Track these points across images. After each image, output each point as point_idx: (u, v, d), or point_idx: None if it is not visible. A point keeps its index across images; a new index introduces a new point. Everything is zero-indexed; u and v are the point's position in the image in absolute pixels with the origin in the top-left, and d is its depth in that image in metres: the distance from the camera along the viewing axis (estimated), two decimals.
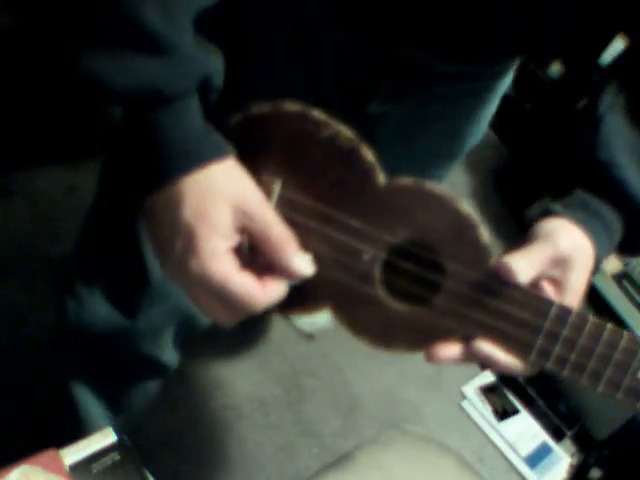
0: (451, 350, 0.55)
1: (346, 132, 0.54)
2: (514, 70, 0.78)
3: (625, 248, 0.62)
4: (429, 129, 0.74)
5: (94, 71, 0.47)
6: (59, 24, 0.50)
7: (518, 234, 0.58)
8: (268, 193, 0.55)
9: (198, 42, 0.50)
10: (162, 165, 0.50)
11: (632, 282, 1.80)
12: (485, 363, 0.55)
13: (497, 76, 0.74)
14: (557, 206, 0.58)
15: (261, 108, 0.54)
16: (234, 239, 0.51)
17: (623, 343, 0.53)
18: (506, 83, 0.77)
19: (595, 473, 1.67)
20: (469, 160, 2.23)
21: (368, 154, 0.54)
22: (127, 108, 0.49)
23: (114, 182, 0.76)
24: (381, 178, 0.55)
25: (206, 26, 0.52)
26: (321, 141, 0.54)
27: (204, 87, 0.51)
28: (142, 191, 0.52)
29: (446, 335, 0.55)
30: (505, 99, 0.81)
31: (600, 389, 0.54)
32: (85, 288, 0.84)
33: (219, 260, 0.49)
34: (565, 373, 0.54)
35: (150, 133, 0.50)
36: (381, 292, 0.56)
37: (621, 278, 1.81)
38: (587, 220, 0.57)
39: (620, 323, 1.73)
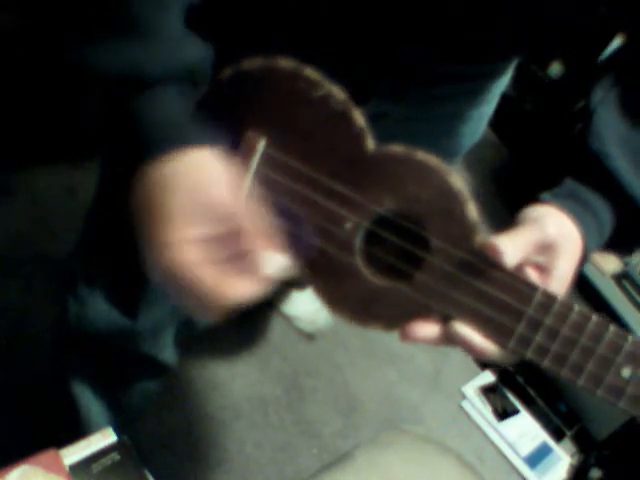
0: (428, 330, 0.53)
1: (338, 93, 0.52)
2: (513, 70, 0.78)
3: (616, 243, 0.61)
4: (427, 128, 0.74)
5: (77, 54, 0.48)
6: (49, 10, 0.50)
7: None
8: (251, 150, 0.53)
9: (185, 33, 0.50)
10: (137, 148, 0.49)
11: (632, 282, 1.80)
12: (461, 347, 0.53)
13: (495, 76, 0.74)
14: (546, 194, 0.57)
15: (253, 63, 0.53)
16: (199, 230, 0.49)
17: (609, 336, 0.50)
18: (503, 83, 0.77)
19: (595, 473, 1.67)
20: (469, 160, 2.23)
21: (359, 118, 0.53)
22: (106, 90, 0.49)
23: (113, 181, 0.77)
24: (371, 144, 0.53)
25: (197, 21, 0.51)
26: (312, 101, 0.52)
27: (186, 77, 0.50)
28: (123, 181, 0.51)
29: (424, 314, 0.53)
30: (505, 99, 0.81)
31: (580, 383, 0.51)
32: (86, 288, 0.84)
33: (186, 250, 0.48)
34: (545, 364, 0.52)
35: (126, 116, 0.49)
36: (361, 263, 0.54)
37: (621, 278, 1.81)
38: (576, 209, 0.56)
39: (620, 323, 1.73)
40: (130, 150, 0.50)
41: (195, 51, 0.51)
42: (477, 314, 0.52)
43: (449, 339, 0.53)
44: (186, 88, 0.51)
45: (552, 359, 0.52)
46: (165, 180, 0.49)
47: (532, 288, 0.51)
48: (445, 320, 0.53)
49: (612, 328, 0.51)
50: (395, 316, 0.54)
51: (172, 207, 0.48)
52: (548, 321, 0.51)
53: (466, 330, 0.52)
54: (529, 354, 0.52)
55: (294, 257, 0.54)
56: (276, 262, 0.49)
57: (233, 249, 0.49)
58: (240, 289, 0.49)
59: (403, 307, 0.54)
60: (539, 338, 0.51)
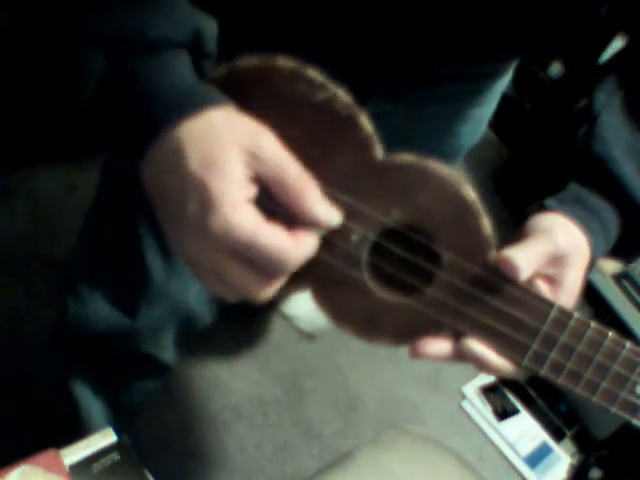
0: (439, 347, 0.51)
1: (344, 97, 0.49)
2: (513, 71, 0.78)
3: (621, 249, 0.61)
4: (427, 129, 0.74)
5: (80, 17, 0.45)
6: None
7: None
8: None
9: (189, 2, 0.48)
10: (151, 115, 0.46)
11: (632, 282, 1.80)
12: (474, 364, 0.52)
13: (495, 76, 0.74)
14: (551, 201, 0.56)
15: (249, 61, 0.49)
16: (250, 189, 0.45)
17: (624, 353, 0.50)
18: (503, 84, 0.77)
19: (595, 473, 1.67)
20: (469, 160, 2.23)
21: (366, 124, 0.50)
22: (112, 56, 0.45)
23: (115, 179, 0.77)
24: (379, 152, 0.50)
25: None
26: (315, 104, 0.49)
27: (194, 45, 0.48)
28: (137, 151, 0.47)
29: (435, 330, 0.51)
30: (505, 99, 0.81)
31: (595, 400, 0.51)
32: (86, 287, 0.84)
33: (243, 211, 0.44)
34: (560, 381, 0.51)
35: (136, 82, 0.46)
36: (368, 277, 0.51)
37: (621, 278, 1.81)
38: (584, 217, 0.56)
39: (620, 323, 1.73)
40: (134, 121, 0.47)
41: (201, 20, 0.48)
42: (491, 331, 0.51)
43: (461, 356, 0.52)
44: (194, 57, 0.49)
45: (567, 376, 0.51)
46: (209, 130, 0.45)
47: (547, 304, 0.50)
48: (457, 336, 0.51)
49: (628, 345, 0.50)
50: (403, 332, 0.52)
51: (223, 162, 0.44)
52: (563, 338, 0.50)
53: (479, 347, 0.51)
54: (543, 371, 0.51)
55: (296, 271, 0.51)
56: (329, 208, 0.47)
57: (284, 206, 0.47)
58: (303, 246, 0.46)
59: (412, 323, 0.52)
60: (554, 355, 0.50)
